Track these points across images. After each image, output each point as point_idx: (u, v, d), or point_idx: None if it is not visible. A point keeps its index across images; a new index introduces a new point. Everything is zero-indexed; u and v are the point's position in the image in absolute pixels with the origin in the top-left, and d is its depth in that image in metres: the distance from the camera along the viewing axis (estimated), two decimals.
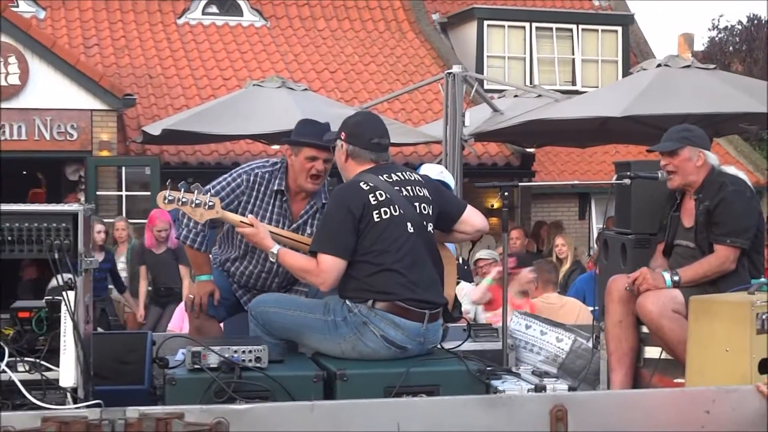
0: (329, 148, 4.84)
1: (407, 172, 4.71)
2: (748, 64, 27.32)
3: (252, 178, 5.04)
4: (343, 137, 4.67)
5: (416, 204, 4.57)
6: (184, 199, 4.57)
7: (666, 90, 9.65)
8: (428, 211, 4.63)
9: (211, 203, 4.61)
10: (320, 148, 4.89)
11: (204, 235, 5.11)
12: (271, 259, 4.62)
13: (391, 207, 4.47)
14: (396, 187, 4.55)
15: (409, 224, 4.51)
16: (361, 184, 4.51)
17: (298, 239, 4.88)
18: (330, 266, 4.43)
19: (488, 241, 13.46)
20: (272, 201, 5.03)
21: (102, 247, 10.63)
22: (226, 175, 5.11)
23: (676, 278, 5.00)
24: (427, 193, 4.66)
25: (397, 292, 4.44)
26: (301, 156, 4.95)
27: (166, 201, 4.58)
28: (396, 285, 4.44)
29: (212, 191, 4.90)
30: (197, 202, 4.59)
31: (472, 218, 4.85)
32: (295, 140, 4.98)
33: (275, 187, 5.03)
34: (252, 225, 4.64)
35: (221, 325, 5.33)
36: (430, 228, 4.64)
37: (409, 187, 4.60)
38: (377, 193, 4.48)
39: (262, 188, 5.04)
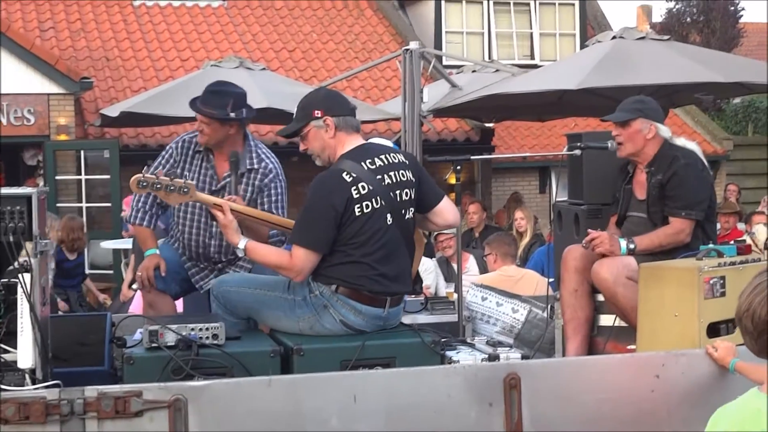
0: (202, 113, 5.18)
1: (391, 155, 4.56)
2: (706, 35, 27.50)
3: (180, 143, 5.36)
4: (320, 114, 4.50)
5: (398, 191, 4.47)
6: (158, 184, 4.56)
7: (621, 62, 9.70)
8: (410, 196, 4.55)
9: (185, 188, 4.58)
10: (194, 110, 5.25)
11: (151, 214, 5.35)
12: (238, 254, 4.58)
13: (373, 200, 4.39)
14: (378, 176, 4.43)
15: (388, 215, 4.44)
16: (344, 175, 4.38)
17: (270, 219, 4.92)
18: (304, 260, 4.37)
19: None
20: (200, 163, 5.29)
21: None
22: (162, 152, 5.41)
23: (632, 246, 5.08)
24: (410, 176, 4.55)
25: (364, 283, 4.43)
26: None
27: (140, 185, 4.57)
28: (364, 277, 4.43)
29: (152, 168, 4.94)
30: (171, 186, 4.58)
31: (446, 211, 4.76)
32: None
33: (199, 148, 5.29)
34: (223, 212, 4.57)
35: (178, 302, 5.39)
36: (409, 214, 4.56)
37: (392, 173, 4.48)
38: (360, 185, 4.37)
39: (190, 151, 5.33)
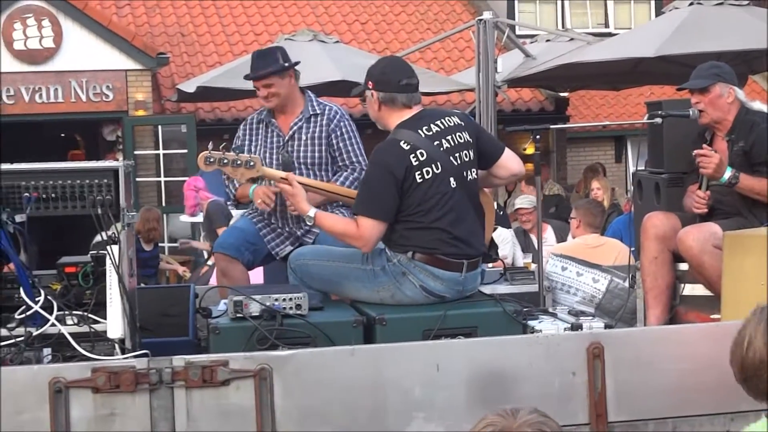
0: (262, 76, 5.44)
1: (446, 118, 4.61)
2: None
3: (244, 125, 5.68)
4: (371, 86, 4.62)
5: (457, 154, 4.50)
6: (225, 160, 4.61)
7: (699, 28, 9.56)
8: (470, 157, 4.58)
9: (251, 162, 4.64)
10: (254, 79, 5.53)
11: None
12: (307, 222, 4.64)
13: (433, 165, 4.42)
14: (436, 142, 4.46)
15: (451, 179, 4.46)
16: (402, 143, 4.43)
17: (334, 190, 4.97)
18: (370, 230, 4.41)
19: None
20: (264, 129, 5.57)
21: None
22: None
23: (734, 181, 5.00)
24: (467, 137, 4.58)
25: (439, 247, 4.45)
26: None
27: (207, 162, 4.63)
28: (438, 241, 4.45)
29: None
30: (237, 161, 4.63)
31: (509, 162, 4.80)
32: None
33: (261, 117, 5.60)
34: (290, 183, 4.64)
35: (259, 272, 5.46)
36: (472, 176, 4.59)
37: (449, 137, 4.51)
38: (418, 152, 4.41)
39: (254, 126, 5.62)
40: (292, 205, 4.80)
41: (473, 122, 4.77)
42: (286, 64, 5.47)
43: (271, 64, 5.47)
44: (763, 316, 2.39)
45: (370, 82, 4.63)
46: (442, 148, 4.47)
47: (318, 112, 5.53)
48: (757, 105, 5.30)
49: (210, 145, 4.75)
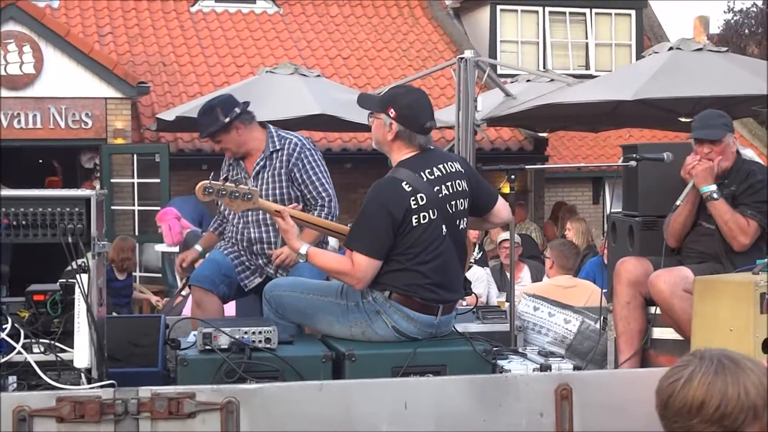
0: (205, 136, 5.75)
1: (448, 164, 4.54)
2: (765, 47, 27.22)
3: (224, 162, 5.88)
4: (392, 115, 4.47)
5: (453, 202, 4.48)
6: (223, 191, 4.60)
7: (678, 73, 9.65)
8: (464, 207, 4.55)
9: (249, 195, 4.61)
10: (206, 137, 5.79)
11: (220, 222, 5.94)
12: (300, 260, 4.60)
13: (430, 211, 4.38)
14: (436, 187, 4.42)
15: (443, 226, 4.44)
16: (404, 185, 4.37)
17: (328, 226, 4.96)
18: (365, 268, 4.36)
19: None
20: (234, 168, 5.76)
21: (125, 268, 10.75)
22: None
23: (715, 195, 5.03)
24: (465, 186, 4.55)
25: (417, 291, 4.43)
26: None
27: (206, 192, 4.61)
28: (417, 285, 4.42)
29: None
30: (236, 193, 4.62)
31: (501, 212, 4.82)
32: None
33: (230, 161, 5.80)
34: (283, 218, 4.57)
35: (231, 305, 5.47)
36: (462, 224, 4.57)
37: (448, 183, 4.47)
38: (418, 196, 4.36)
39: (227, 165, 5.85)
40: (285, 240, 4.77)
41: (472, 171, 4.73)
42: (227, 120, 5.54)
43: (212, 123, 5.59)
44: (711, 368, 2.36)
45: (392, 110, 4.47)
46: (440, 195, 4.43)
47: (278, 147, 5.59)
48: (749, 153, 5.36)
49: (211, 175, 4.76)
